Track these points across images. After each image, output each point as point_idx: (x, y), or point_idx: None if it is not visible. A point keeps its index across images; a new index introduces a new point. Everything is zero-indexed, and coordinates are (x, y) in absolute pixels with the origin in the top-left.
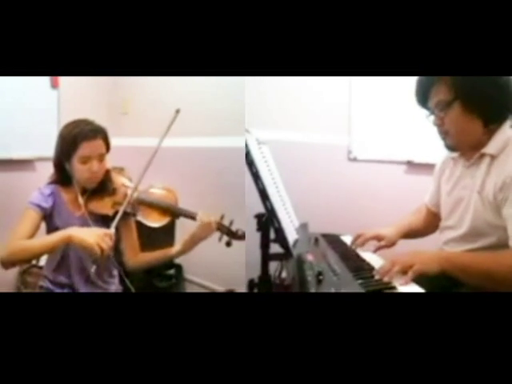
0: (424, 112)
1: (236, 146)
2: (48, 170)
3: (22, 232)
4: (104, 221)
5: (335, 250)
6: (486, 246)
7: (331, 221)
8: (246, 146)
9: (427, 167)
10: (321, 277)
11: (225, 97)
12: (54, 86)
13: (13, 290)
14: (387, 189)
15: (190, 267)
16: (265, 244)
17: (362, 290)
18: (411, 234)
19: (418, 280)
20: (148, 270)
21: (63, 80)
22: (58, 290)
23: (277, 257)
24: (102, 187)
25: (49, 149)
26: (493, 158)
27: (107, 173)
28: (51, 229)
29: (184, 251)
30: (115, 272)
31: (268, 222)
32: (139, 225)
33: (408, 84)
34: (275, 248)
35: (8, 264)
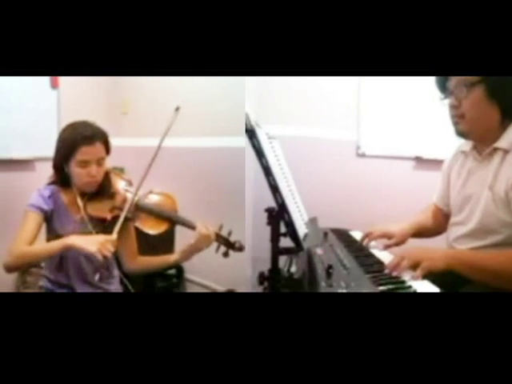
0: (438, 95)
1: (236, 146)
2: (48, 170)
3: (25, 235)
4: (103, 224)
5: (344, 244)
6: (494, 244)
7: (339, 216)
8: (257, 140)
9: (436, 163)
10: (331, 270)
11: (225, 97)
12: (54, 86)
13: (13, 290)
14: (396, 184)
15: (191, 267)
16: (275, 238)
17: (371, 285)
18: (420, 233)
19: (425, 276)
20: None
21: (63, 80)
22: (57, 290)
23: (287, 251)
24: (101, 191)
25: (49, 149)
26: (506, 152)
27: (107, 176)
28: (50, 230)
29: (182, 260)
30: (115, 272)
31: (278, 216)
32: (138, 229)
33: (417, 80)
34: (284, 243)
35: (12, 269)
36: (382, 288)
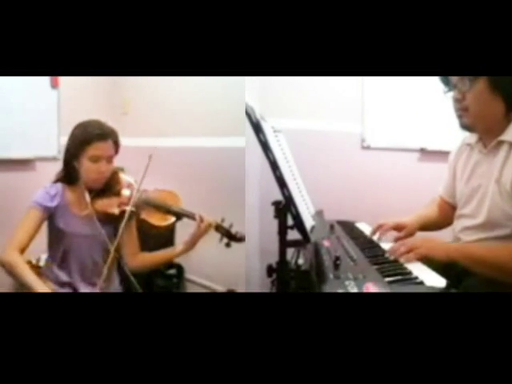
0: (442, 88)
1: (236, 146)
2: (48, 170)
3: (22, 235)
4: (109, 220)
5: (350, 236)
6: (501, 236)
7: (345, 208)
8: (263, 133)
9: (441, 155)
10: (338, 262)
11: (225, 97)
12: (54, 85)
13: (13, 290)
14: (401, 176)
15: (191, 267)
16: (282, 230)
17: (379, 276)
18: (427, 225)
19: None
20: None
21: (63, 80)
22: (58, 289)
23: (294, 243)
24: (108, 187)
25: (49, 149)
26: (511, 146)
27: (114, 173)
28: (53, 228)
29: (187, 250)
30: (115, 272)
31: (285, 209)
32: (139, 228)
33: None
34: (291, 236)
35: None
36: (388, 279)
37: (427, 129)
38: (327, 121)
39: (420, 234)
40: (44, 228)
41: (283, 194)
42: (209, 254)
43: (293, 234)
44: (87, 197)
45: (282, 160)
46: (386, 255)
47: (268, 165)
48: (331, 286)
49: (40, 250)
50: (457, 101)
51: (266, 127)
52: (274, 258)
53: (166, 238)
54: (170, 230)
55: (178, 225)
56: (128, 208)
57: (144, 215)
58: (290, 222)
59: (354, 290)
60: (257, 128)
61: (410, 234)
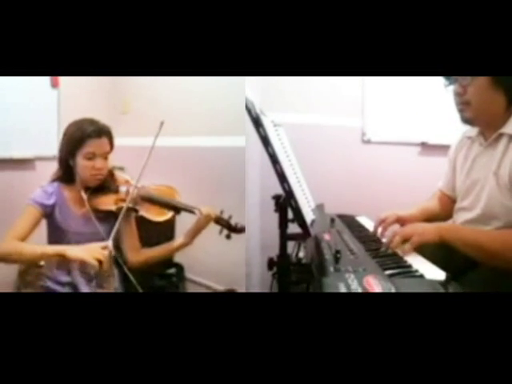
0: (443, 82)
1: (236, 146)
2: (48, 169)
3: (19, 228)
4: (107, 217)
5: (351, 229)
6: (498, 229)
7: (345, 202)
8: (263, 128)
9: (442, 149)
10: (338, 255)
11: (225, 97)
12: (54, 85)
13: (13, 290)
14: (401, 170)
15: (191, 266)
16: (283, 224)
17: (378, 269)
18: (428, 219)
19: (433, 259)
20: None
21: (63, 80)
22: (58, 289)
23: (295, 236)
24: (105, 185)
25: (49, 148)
26: (511, 138)
27: (110, 171)
28: (52, 227)
29: (187, 243)
30: (115, 271)
31: (286, 202)
32: (139, 224)
33: None
34: (291, 229)
35: None
36: (388, 272)
37: (428, 123)
38: (328, 115)
39: None
40: (44, 227)
41: (283, 188)
42: (209, 254)
43: (293, 228)
44: (84, 195)
45: (282, 154)
46: (382, 249)
47: (268, 159)
48: (331, 279)
49: None
50: (458, 95)
51: (266, 121)
52: (274, 252)
53: (166, 235)
54: (171, 226)
55: (179, 222)
56: (125, 204)
57: (143, 211)
58: (290, 215)
59: (354, 282)
60: (256, 122)
61: None
